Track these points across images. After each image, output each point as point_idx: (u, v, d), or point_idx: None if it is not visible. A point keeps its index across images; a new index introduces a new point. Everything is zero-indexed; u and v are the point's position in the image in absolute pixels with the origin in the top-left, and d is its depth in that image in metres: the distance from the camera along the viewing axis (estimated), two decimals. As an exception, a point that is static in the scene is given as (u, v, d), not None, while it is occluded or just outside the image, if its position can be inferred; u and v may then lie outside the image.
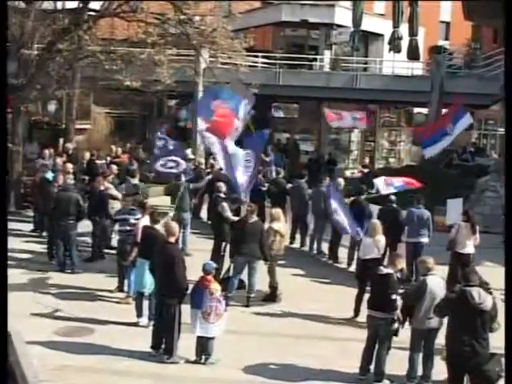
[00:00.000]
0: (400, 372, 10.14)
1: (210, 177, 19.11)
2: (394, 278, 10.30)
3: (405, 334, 10.17)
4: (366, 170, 26.56)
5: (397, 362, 10.26)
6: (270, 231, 13.71)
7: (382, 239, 12.98)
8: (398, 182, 17.31)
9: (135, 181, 17.51)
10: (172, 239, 10.83)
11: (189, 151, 23.55)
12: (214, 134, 14.64)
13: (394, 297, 10.05)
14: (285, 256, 14.49)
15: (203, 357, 10.43)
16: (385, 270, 10.25)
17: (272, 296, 13.64)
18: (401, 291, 10.50)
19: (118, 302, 12.93)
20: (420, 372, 10.09)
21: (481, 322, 8.66)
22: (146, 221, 12.64)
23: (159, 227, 11.98)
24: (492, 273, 11.50)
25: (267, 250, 13.31)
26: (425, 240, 15.12)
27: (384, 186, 17.00)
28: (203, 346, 10.43)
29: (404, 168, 30.38)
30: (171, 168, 18.03)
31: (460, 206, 15.63)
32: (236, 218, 14.52)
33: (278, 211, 14.24)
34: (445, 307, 9.20)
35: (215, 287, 10.40)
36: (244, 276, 13.41)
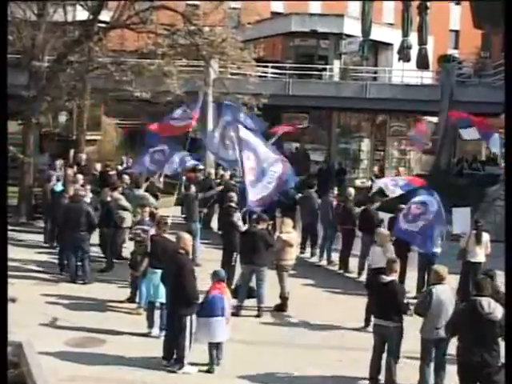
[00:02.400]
0: (411, 382, 10.10)
1: (220, 188, 19.12)
2: (398, 284, 10.33)
3: (416, 344, 10.14)
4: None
5: (408, 371, 10.24)
6: (280, 241, 13.73)
7: (390, 248, 12.98)
8: (403, 181, 16.79)
9: (140, 191, 17.54)
10: (182, 250, 10.85)
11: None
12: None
13: (402, 302, 10.06)
14: (295, 266, 14.48)
15: (217, 361, 10.50)
16: (387, 278, 10.26)
17: (283, 306, 13.64)
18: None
19: (128, 313, 12.95)
20: (432, 382, 10.06)
21: (491, 333, 8.64)
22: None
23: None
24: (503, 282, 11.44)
25: (269, 257, 13.43)
26: (438, 250, 15.04)
27: (390, 188, 16.65)
28: (217, 351, 10.49)
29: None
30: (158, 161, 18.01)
31: (468, 215, 15.54)
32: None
33: (287, 221, 14.25)
34: (455, 318, 9.19)
35: (229, 293, 10.59)
36: (254, 284, 13.42)
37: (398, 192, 16.35)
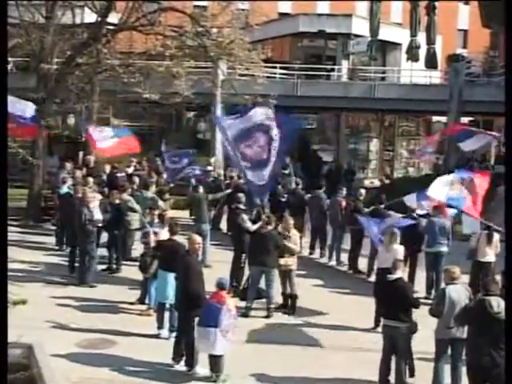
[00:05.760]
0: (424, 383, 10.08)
1: (229, 190, 19.11)
2: (404, 281, 10.34)
3: (429, 344, 10.11)
4: (387, 181, 26.20)
5: (421, 372, 10.20)
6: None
7: (399, 248, 12.97)
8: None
9: (149, 193, 17.58)
10: (191, 251, 10.84)
11: (212, 160, 23.76)
12: None
13: (410, 297, 10.05)
14: (304, 267, 14.47)
15: (214, 375, 10.19)
16: (393, 277, 10.22)
17: (292, 306, 13.60)
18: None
19: (139, 314, 12.96)
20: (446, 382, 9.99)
21: (500, 332, 8.58)
22: (165, 233, 12.72)
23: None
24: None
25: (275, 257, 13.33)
26: (445, 249, 15.01)
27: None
28: (216, 364, 10.16)
29: (423, 177, 30.26)
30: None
31: None
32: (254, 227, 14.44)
33: (288, 221, 14.09)
34: (463, 316, 9.17)
35: (232, 303, 10.23)
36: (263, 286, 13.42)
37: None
